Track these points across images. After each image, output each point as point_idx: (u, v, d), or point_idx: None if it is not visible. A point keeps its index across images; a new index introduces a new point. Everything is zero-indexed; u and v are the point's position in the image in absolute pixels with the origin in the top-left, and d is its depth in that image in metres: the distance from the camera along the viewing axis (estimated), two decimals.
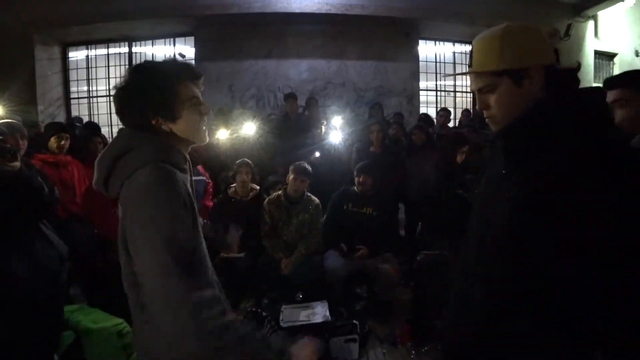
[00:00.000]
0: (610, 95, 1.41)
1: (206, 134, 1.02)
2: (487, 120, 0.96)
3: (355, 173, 3.17)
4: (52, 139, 2.89)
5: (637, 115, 1.37)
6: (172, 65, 0.99)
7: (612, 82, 1.44)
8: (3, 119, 2.14)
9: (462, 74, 0.98)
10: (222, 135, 3.68)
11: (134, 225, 0.85)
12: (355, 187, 3.18)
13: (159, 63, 1.01)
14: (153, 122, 0.94)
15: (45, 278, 1.75)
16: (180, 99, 0.95)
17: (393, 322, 2.82)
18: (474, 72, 0.93)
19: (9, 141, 1.74)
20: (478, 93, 0.94)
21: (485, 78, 0.91)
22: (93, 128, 4.51)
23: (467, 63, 0.98)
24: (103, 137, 3.71)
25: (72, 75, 6.59)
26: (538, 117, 0.86)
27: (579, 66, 0.94)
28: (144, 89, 0.92)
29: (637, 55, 7.60)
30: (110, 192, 0.94)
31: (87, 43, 6.48)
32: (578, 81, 0.93)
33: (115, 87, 0.96)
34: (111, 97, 6.49)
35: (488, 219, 0.96)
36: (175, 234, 0.83)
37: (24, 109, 5.51)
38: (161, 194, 0.86)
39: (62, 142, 2.91)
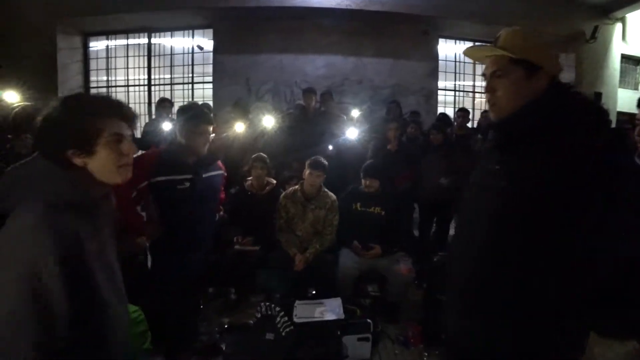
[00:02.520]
0: None
1: (125, 173, 0.98)
2: (488, 105, 1.03)
3: (361, 174, 3.14)
4: None
5: None
6: (102, 100, 0.98)
7: None
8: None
9: (483, 48, 1.09)
10: (239, 128, 3.67)
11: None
12: (362, 187, 3.15)
13: (89, 96, 1.01)
14: (68, 153, 0.90)
15: None
16: (99, 132, 0.92)
17: (404, 323, 2.79)
18: (494, 55, 1.00)
19: None
20: (490, 77, 1.00)
21: (502, 62, 0.97)
22: None
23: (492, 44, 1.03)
24: None
25: (92, 64, 6.68)
26: (533, 114, 0.93)
27: (598, 96, 0.99)
28: (64, 120, 0.90)
29: None
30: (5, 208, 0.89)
31: (107, 33, 6.57)
32: (578, 94, 0.98)
33: (40, 117, 0.92)
34: (130, 88, 6.64)
35: (478, 208, 1.04)
36: (34, 293, 0.77)
37: (44, 97, 5.62)
38: (35, 247, 0.79)
39: None
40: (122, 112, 0.98)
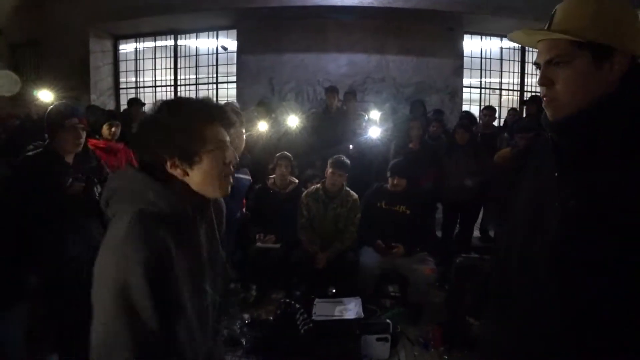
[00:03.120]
0: None
1: (227, 187, 0.90)
2: (544, 101, 0.79)
3: (388, 173, 3.11)
4: (105, 126, 3.05)
5: None
6: (205, 104, 0.90)
7: None
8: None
9: (536, 31, 0.78)
10: (263, 127, 3.72)
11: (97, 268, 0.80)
12: (388, 185, 3.12)
13: (192, 100, 0.92)
14: (168, 163, 0.84)
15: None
16: (204, 141, 0.84)
17: (424, 325, 2.76)
18: (550, 38, 0.76)
19: (82, 121, 1.87)
20: (545, 65, 0.77)
21: (562, 46, 0.74)
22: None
23: (544, 27, 0.80)
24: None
25: (122, 66, 6.95)
26: (609, 113, 0.71)
27: None
28: (166, 125, 0.84)
29: None
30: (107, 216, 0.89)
31: (136, 36, 6.81)
32: None
33: (140, 120, 0.89)
34: (157, 88, 6.85)
35: (536, 224, 0.82)
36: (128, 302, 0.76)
37: (77, 97, 5.91)
38: (127, 260, 0.77)
39: (114, 129, 3.07)
40: (224, 118, 0.90)
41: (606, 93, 0.73)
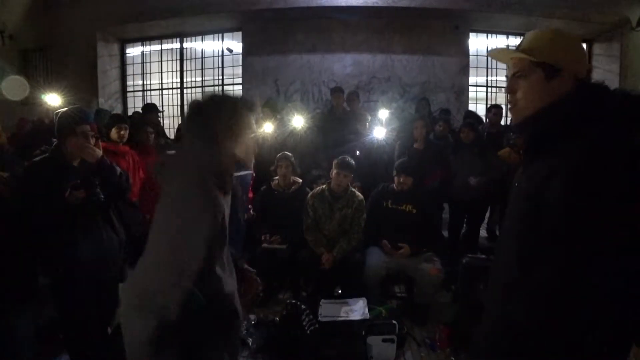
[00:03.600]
0: None
1: (253, 158, 1.24)
2: (509, 106, 1.03)
3: (394, 171, 3.10)
4: (114, 130, 3.08)
5: None
6: (242, 97, 1.27)
7: None
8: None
9: (507, 50, 1.10)
10: (268, 128, 3.73)
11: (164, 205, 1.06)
12: (394, 185, 3.11)
13: (231, 94, 1.32)
14: (221, 137, 1.12)
15: (106, 261, 1.90)
16: (246, 128, 1.17)
17: (431, 325, 2.74)
18: (516, 56, 1.00)
19: (93, 127, 1.92)
20: (511, 77, 1.00)
21: (523, 64, 0.97)
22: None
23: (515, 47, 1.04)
24: (157, 125, 3.90)
25: (129, 70, 7.02)
26: (553, 112, 0.92)
27: None
28: (220, 110, 1.14)
29: None
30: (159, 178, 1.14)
31: (143, 40, 6.87)
32: (607, 90, 0.95)
33: (192, 107, 1.17)
34: (163, 91, 6.91)
35: (509, 214, 1.03)
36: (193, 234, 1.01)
37: (86, 100, 6.00)
38: (195, 197, 1.04)
39: (122, 132, 3.10)
40: (256, 109, 1.23)
41: (553, 101, 0.93)
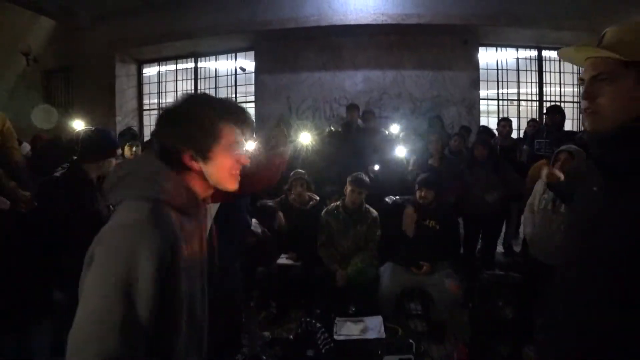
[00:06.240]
0: None
1: (236, 181, 0.94)
2: (586, 113, 0.84)
3: (416, 186, 3.08)
4: (126, 147, 3.17)
5: None
6: (224, 103, 0.93)
7: None
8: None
9: (585, 48, 0.85)
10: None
11: (96, 258, 0.75)
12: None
13: (212, 97, 0.95)
14: (184, 154, 0.87)
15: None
16: (219, 139, 0.88)
17: (449, 344, 2.67)
18: (599, 55, 0.82)
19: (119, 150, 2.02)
20: (590, 80, 0.83)
21: (608, 64, 0.79)
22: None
23: (593, 44, 0.86)
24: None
25: (145, 89, 7.25)
26: None
27: None
28: (186, 117, 0.87)
29: None
30: (110, 200, 0.89)
31: (159, 60, 7.11)
32: None
33: (162, 111, 0.92)
34: None
35: (593, 241, 0.85)
36: (129, 290, 0.72)
37: (105, 118, 6.17)
38: (136, 245, 0.74)
39: (134, 149, 3.18)
40: (243, 119, 0.93)
41: None
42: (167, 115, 0.90)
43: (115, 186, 0.86)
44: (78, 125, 3.96)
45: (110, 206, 1.76)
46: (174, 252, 0.80)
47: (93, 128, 2.04)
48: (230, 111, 0.91)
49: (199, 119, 0.87)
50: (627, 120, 0.77)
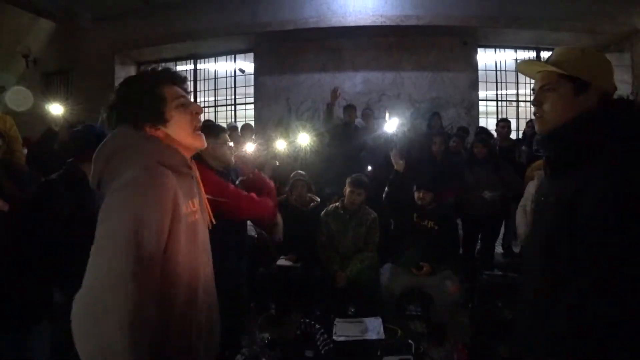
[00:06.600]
0: None
1: (201, 137, 1.02)
2: (535, 117, 1.04)
3: (414, 187, 3.09)
4: None
5: None
6: (152, 72, 1.03)
7: None
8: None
9: (535, 63, 1.12)
10: (281, 145, 3.77)
11: (104, 220, 0.84)
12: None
13: (140, 73, 1.08)
14: (146, 129, 0.95)
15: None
16: (166, 101, 0.96)
17: (448, 345, 2.67)
18: (545, 70, 1.02)
19: None
20: (539, 90, 1.02)
21: (552, 77, 0.99)
22: None
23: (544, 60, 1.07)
24: None
25: None
26: (581, 127, 0.92)
27: None
28: (129, 99, 0.96)
29: None
30: (102, 190, 0.94)
31: (158, 62, 7.09)
32: (633, 105, 0.96)
33: (109, 102, 1.01)
34: None
35: (538, 226, 1.05)
36: (139, 239, 0.80)
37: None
38: (140, 197, 0.84)
39: None
40: (174, 77, 1.03)
41: (581, 113, 0.94)
42: (114, 106, 0.99)
43: (109, 161, 0.92)
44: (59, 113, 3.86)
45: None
46: (175, 203, 0.89)
47: (80, 126, 2.03)
48: (161, 75, 1.01)
49: (138, 93, 0.95)
50: (562, 123, 0.96)
